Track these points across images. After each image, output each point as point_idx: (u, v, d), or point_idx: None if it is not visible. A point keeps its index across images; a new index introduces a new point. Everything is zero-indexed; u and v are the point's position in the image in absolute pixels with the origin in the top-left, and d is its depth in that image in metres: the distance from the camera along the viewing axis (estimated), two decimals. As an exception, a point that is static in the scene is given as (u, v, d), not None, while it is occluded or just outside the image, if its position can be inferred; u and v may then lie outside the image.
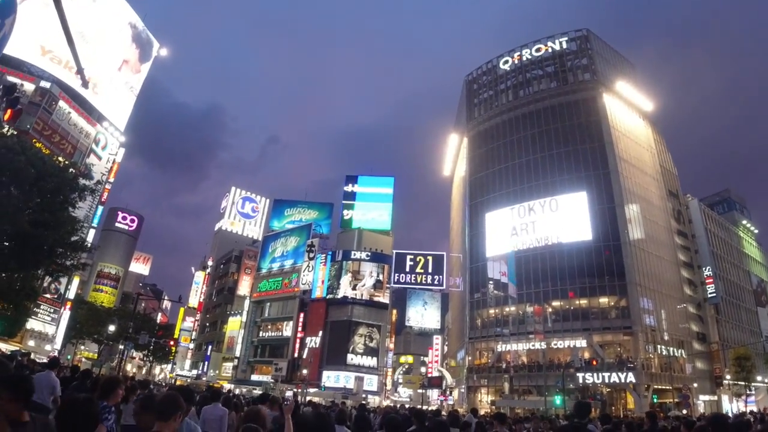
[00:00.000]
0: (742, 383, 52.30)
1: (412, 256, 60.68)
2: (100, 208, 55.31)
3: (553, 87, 63.64)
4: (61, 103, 49.14)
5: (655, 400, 44.96)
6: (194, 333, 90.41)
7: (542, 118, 61.83)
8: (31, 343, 45.03)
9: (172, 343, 50.05)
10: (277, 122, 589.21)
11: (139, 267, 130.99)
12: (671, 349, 51.60)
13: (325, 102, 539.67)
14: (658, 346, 50.61)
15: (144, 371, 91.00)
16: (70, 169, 31.43)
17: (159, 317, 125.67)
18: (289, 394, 33.35)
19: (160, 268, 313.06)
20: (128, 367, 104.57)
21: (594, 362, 42.95)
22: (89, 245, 31.23)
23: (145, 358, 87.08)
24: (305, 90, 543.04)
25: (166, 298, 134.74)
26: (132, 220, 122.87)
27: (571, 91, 61.99)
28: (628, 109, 64.19)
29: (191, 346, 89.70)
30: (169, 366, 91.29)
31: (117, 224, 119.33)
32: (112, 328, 49.08)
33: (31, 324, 45.67)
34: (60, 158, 36.40)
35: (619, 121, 60.87)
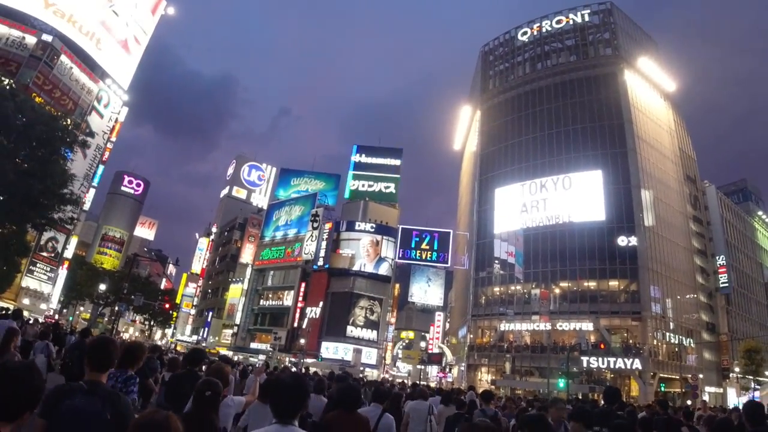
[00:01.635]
0: (751, 377, 50.88)
1: (418, 232, 59.87)
2: (101, 167, 54.28)
3: (573, 61, 61.11)
4: (63, 58, 47.94)
5: (663, 389, 43.55)
6: (196, 299, 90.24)
7: (559, 93, 59.47)
8: (26, 301, 44.43)
9: (167, 306, 49.30)
10: (289, 94, 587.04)
11: (144, 231, 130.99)
12: (680, 337, 50.11)
13: (338, 76, 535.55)
14: (667, 334, 49.14)
15: (146, 335, 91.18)
16: (64, 121, 30.01)
17: (163, 283, 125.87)
18: (261, 357, 32.60)
19: (167, 235, 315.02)
20: (131, 330, 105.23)
21: (602, 346, 41.50)
22: (77, 198, 29.92)
23: (145, 322, 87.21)
24: (318, 63, 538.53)
25: (171, 262, 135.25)
26: (138, 184, 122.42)
27: (591, 65, 59.49)
28: (649, 87, 61.71)
29: (192, 311, 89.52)
30: (170, 331, 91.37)
31: (123, 188, 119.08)
32: (102, 286, 48.35)
33: (27, 282, 45.05)
34: (52, 108, 34.96)
35: (640, 99, 58.47)
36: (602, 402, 8.94)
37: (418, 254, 59.26)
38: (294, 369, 39.70)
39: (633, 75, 58.95)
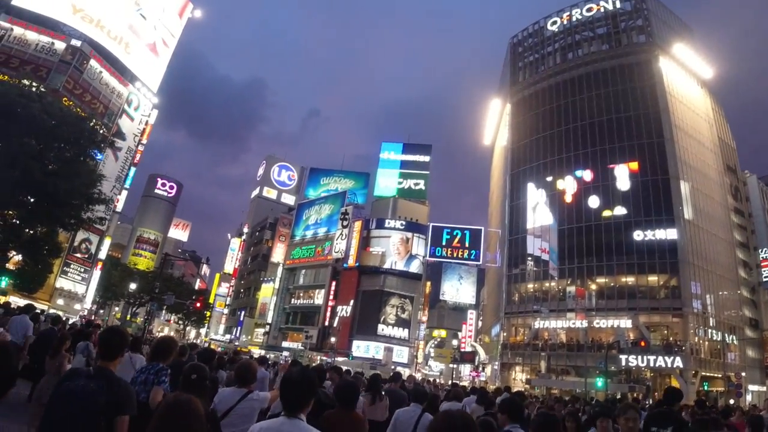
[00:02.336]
0: None
1: (449, 230, 58.71)
2: (133, 169, 55.06)
3: (605, 49, 59.21)
4: (93, 62, 48.81)
5: (706, 388, 41.66)
6: (229, 298, 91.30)
7: (592, 83, 57.61)
8: (60, 301, 45.28)
9: (199, 305, 49.64)
10: (318, 96, 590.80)
11: (178, 233, 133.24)
12: (722, 333, 48.01)
13: (366, 76, 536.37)
14: (709, 330, 47.16)
15: (180, 335, 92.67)
16: (91, 122, 30.24)
17: (197, 283, 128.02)
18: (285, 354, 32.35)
19: (200, 237, 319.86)
20: (165, 330, 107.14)
21: (642, 343, 39.87)
22: (106, 198, 30.14)
23: (179, 322, 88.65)
24: (346, 64, 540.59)
25: (203, 262, 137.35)
26: (171, 187, 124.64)
27: (624, 53, 57.48)
28: (685, 75, 59.42)
29: (225, 311, 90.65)
30: (204, 330, 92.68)
31: (156, 190, 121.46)
32: (133, 286, 48.98)
33: (61, 282, 45.98)
34: (80, 110, 35.40)
35: (676, 87, 56.29)
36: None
37: (449, 252, 58.24)
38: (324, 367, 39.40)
39: (668, 62, 56.82)
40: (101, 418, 3.02)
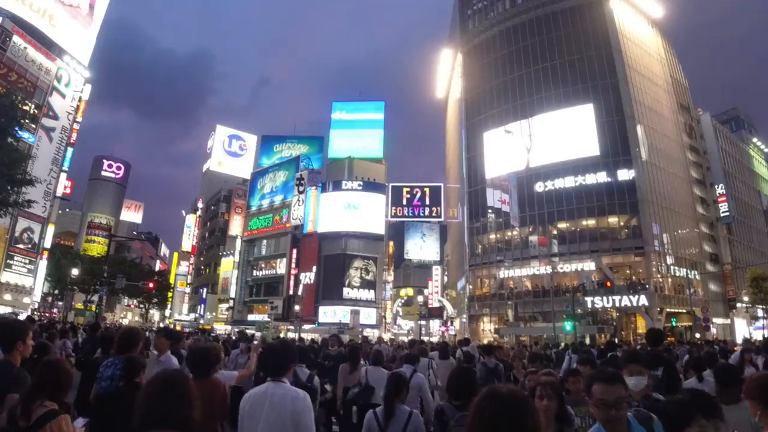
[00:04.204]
0: (760, 306, 49.85)
1: (408, 189, 58.28)
2: (70, 150, 51.50)
3: (555, -9, 57.91)
4: (16, 38, 44.84)
5: (674, 324, 42.16)
6: (189, 277, 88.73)
7: (543, 26, 56.42)
8: (8, 296, 42.68)
9: (151, 286, 47.30)
10: (267, 64, 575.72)
11: (131, 215, 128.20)
12: (684, 270, 48.74)
13: (315, 39, 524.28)
14: (671, 267, 47.81)
15: (139, 318, 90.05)
16: (10, 98, 27.37)
17: (158, 264, 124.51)
18: (258, 335, 31.20)
19: (157, 217, 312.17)
20: (129, 316, 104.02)
21: (608, 284, 39.81)
22: (33, 178, 27.52)
23: (141, 306, 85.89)
24: (294, 28, 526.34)
25: (161, 242, 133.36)
26: (118, 168, 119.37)
27: (574, -6, 56.38)
28: (636, 14, 59.00)
29: (187, 290, 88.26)
30: (168, 311, 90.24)
31: (103, 172, 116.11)
32: (75, 272, 46.46)
33: (5, 276, 43.12)
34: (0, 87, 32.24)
35: (627, 27, 55.79)
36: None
37: (410, 211, 57.48)
38: (292, 336, 38.31)
39: (618, 2, 56.14)
40: None
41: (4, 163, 23.77)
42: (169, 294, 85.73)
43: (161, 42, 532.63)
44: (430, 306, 61.63)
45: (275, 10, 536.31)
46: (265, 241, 65.04)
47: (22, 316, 23.92)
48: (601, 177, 48.50)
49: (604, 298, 44.18)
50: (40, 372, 3.11)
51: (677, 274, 48.12)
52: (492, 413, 1.74)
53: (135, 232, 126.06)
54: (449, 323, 56.78)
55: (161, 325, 79.93)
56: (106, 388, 4.29)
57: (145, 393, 2.25)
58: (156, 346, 5.77)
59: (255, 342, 13.08)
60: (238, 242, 68.18)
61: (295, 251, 57.92)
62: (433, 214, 58.28)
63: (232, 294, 66.28)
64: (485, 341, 44.01)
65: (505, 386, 1.89)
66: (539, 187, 51.75)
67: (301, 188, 57.88)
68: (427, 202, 57.32)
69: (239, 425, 3.41)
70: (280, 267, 60.20)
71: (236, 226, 74.60)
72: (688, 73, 67.48)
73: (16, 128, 27.62)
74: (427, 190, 58.15)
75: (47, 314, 51.20)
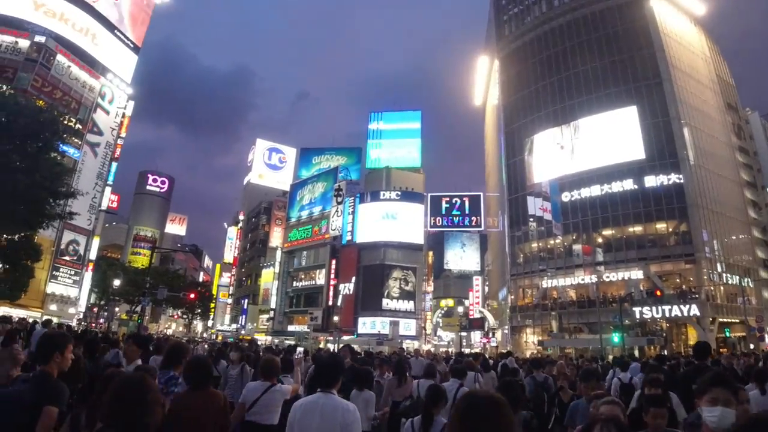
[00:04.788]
0: None
1: (447, 198, 57.74)
2: (114, 164, 53.12)
3: (591, -8, 56.51)
4: (60, 57, 46.71)
5: (727, 334, 39.93)
6: (231, 288, 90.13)
7: (581, 28, 55.05)
8: (53, 307, 43.97)
9: (192, 296, 48.09)
10: (306, 77, 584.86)
11: (175, 228, 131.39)
12: (736, 277, 46.29)
13: (352, 52, 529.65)
14: (723, 275, 45.42)
15: (183, 328, 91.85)
16: (53, 113, 28.20)
17: (201, 276, 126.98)
18: (300, 349, 31.21)
19: (200, 230, 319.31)
20: (173, 326, 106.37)
21: (658, 293, 37.98)
22: (75, 191, 28.22)
23: (184, 316, 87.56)
24: (331, 42, 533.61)
25: (205, 254, 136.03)
26: (163, 182, 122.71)
27: (611, -6, 54.89)
28: (677, 12, 56.92)
29: (229, 301, 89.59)
30: (210, 322, 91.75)
31: (148, 187, 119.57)
32: (117, 282, 47.72)
33: (52, 287, 44.52)
34: (40, 101, 33.40)
35: (669, 25, 53.79)
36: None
37: (450, 221, 56.92)
38: (331, 348, 38.15)
39: (659, 1, 54.18)
40: (26, 416, 3.11)
41: (46, 177, 24.36)
42: (212, 305, 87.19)
43: (203, 60, 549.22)
44: (470, 317, 60.61)
45: (313, 25, 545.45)
46: (304, 252, 65.39)
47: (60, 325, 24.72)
48: (648, 181, 46.64)
49: (653, 308, 42.25)
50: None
51: (729, 282, 45.75)
52: (464, 413, 1.85)
53: (179, 245, 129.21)
54: (490, 334, 55.59)
55: (204, 335, 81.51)
56: None
57: (106, 397, 2.40)
58: (125, 354, 5.43)
59: (298, 356, 12.83)
60: (278, 253, 68.77)
61: (334, 262, 57.96)
62: (473, 224, 57.55)
63: (273, 305, 66.78)
64: (528, 353, 42.81)
65: (484, 390, 2.07)
66: (582, 193, 50.27)
67: (339, 199, 58.03)
68: (467, 212, 56.68)
69: None
70: (320, 278, 60.33)
71: (276, 237, 75.39)
72: (735, 72, 64.85)
73: (59, 143, 28.39)
74: (466, 199, 57.54)
75: (93, 324, 52.56)
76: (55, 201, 25.70)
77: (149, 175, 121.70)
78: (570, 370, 10.43)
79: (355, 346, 42.10)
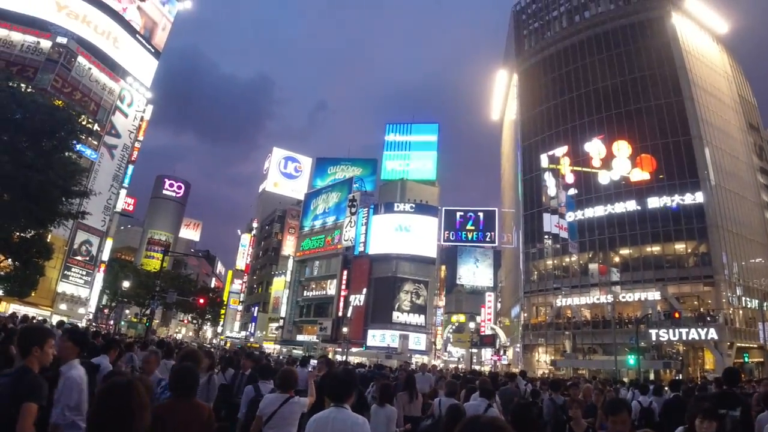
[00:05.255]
0: None
1: (462, 213, 57.40)
2: (131, 167, 53.52)
3: (613, 9, 55.67)
4: (81, 59, 47.36)
5: (746, 360, 38.65)
6: (242, 295, 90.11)
7: (602, 44, 54.36)
8: (63, 306, 44.18)
9: (202, 302, 47.90)
10: (325, 88, 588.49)
11: (190, 233, 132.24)
12: (755, 301, 44.99)
13: (370, 64, 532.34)
14: (743, 298, 44.12)
15: (193, 333, 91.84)
16: (70, 111, 28.30)
17: (213, 282, 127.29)
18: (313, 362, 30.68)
19: (215, 236, 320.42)
20: (183, 331, 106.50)
21: (676, 315, 36.83)
22: (88, 190, 28.32)
23: (194, 321, 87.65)
24: (350, 54, 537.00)
25: (218, 260, 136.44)
26: (179, 187, 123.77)
27: (633, 11, 54.10)
28: (699, 30, 56.03)
29: (240, 308, 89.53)
30: (220, 328, 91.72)
31: (164, 191, 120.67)
32: (126, 284, 47.95)
33: (63, 287, 44.74)
34: (58, 101, 33.61)
35: (691, 43, 52.93)
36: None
37: (463, 235, 56.34)
38: (338, 358, 37.69)
39: (681, 18, 53.42)
40: (11, 410, 3.13)
41: (60, 175, 24.37)
42: (222, 311, 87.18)
43: (224, 68, 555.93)
44: (482, 333, 59.81)
45: (333, 37, 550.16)
46: (316, 262, 65.16)
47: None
48: (667, 200, 45.76)
49: (670, 330, 41.10)
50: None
51: (748, 306, 44.45)
52: None
53: (192, 250, 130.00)
54: (502, 352, 54.70)
55: (213, 341, 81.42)
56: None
57: (92, 402, 2.43)
58: (59, 352, 4.45)
59: (311, 369, 12.07)
60: (290, 262, 68.63)
61: (345, 272, 57.67)
62: (487, 239, 56.96)
63: (283, 313, 66.54)
64: (540, 373, 41.91)
65: (486, 415, 2.01)
66: (599, 211, 49.39)
67: (353, 209, 57.81)
68: (481, 227, 56.16)
69: None
70: (331, 288, 60.00)
71: (289, 246, 75.33)
72: (757, 92, 63.68)
73: (74, 142, 28.47)
74: (480, 214, 57.12)
75: (103, 325, 52.66)
76: (68, 200, 25.68)
77: (166, 180, 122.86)
78: (595, 396, 9.56)
79: (364, 359, 41.82)
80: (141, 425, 2.33)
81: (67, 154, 26.56)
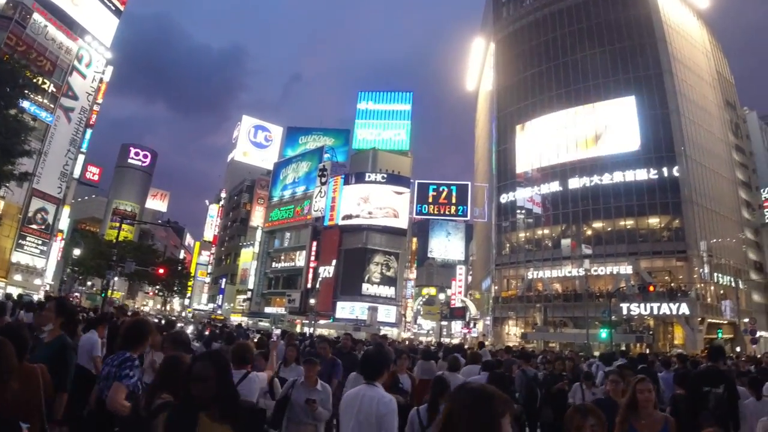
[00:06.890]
0: None
1: (435, 186, 56.15)
2: (89, 131, 50.47)
3: (595, -23, 54.59)
4: (36, 16, 44.07)
5: (720, 335, 38.44)
6: (210, 267, 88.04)
7: (582, 13, 53.10)
8: (18, 277, 41.77)
9: (162, 272, 45.83)
10: (300, 61, 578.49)
11: (157, 203, 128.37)
12: (728, 278, 45.06)
13: (348, 35, 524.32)
14: (715, 274, 44.04)
15: (161, 306, 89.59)
16: (11, 65, 25.83)
17: (182, 254, 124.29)
18: (276, 331, 29.67)
19: (185, 208, 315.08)
20: (150, 303, 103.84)
21: (651, 288, 36.44)
22: (30, 149, 26.02)
23: (160, 294, 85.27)
24: (325, 25, 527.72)
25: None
26: (145, 156, 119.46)
27: (615, -19, 53.01)
28: (680, 4, 55.38)
29: (207, 280, 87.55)
30: (186, 300, 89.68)
31: (130, 160, 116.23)
32: (77, 251, 45.58)
33: (17, 256, 42.16)
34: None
35: (671, 17, 52.17)
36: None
37: (435, 209, 55.28)
38: (306, 332, 36.49)
39: (662, -11, 52.49)
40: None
41: (1, 133, 22.20)
42: (189, 283, 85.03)
43: (197, 37, 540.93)
44: (452, 306, 59.21)
45: (309, 7, 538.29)
46: (286, 233, 63.57)
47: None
48: (642, 174, 45.12)
49: (642, 305, 40.93)
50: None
51: (720, 282, 44.51)
52: (456, 402, 1.83)
53: (159, 221, 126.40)
54: (472, 325, 54.22)
55: (183, 314, 79.42)
56: (101, 390, 4.00)
57: None
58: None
59: (273, 339, 11.35)
60: (259, 233, 66.88)
61: (315, 244, 56.29)
62: (459, 213, 55.94)
63: (251, 285, 65.10)
64: (510, 345, 41.34)
65: (477, 382, 2.03)
66: (574, 183, 48.68)
67: (323, 179, 56.19)
68: (454, 201, 55.03)
69: (340, 422, 3.84)
70: (300, 259, 58.60)
71: (258, 216, 73.43)
72: (734, 69, 63.56)
73: (20, 99, 26.18)
74: (454, 187, 55.92)
75: (70, 297, 50.41)
76: (11, 160, 23.46)
77: (131, 148, 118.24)
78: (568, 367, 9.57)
79: (332, 331, 40.67)
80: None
81: (12, 112, 24.18)
